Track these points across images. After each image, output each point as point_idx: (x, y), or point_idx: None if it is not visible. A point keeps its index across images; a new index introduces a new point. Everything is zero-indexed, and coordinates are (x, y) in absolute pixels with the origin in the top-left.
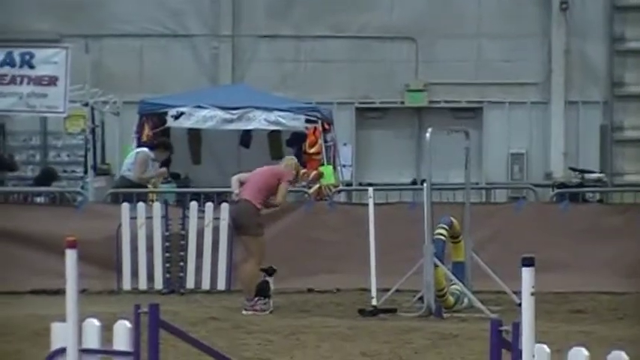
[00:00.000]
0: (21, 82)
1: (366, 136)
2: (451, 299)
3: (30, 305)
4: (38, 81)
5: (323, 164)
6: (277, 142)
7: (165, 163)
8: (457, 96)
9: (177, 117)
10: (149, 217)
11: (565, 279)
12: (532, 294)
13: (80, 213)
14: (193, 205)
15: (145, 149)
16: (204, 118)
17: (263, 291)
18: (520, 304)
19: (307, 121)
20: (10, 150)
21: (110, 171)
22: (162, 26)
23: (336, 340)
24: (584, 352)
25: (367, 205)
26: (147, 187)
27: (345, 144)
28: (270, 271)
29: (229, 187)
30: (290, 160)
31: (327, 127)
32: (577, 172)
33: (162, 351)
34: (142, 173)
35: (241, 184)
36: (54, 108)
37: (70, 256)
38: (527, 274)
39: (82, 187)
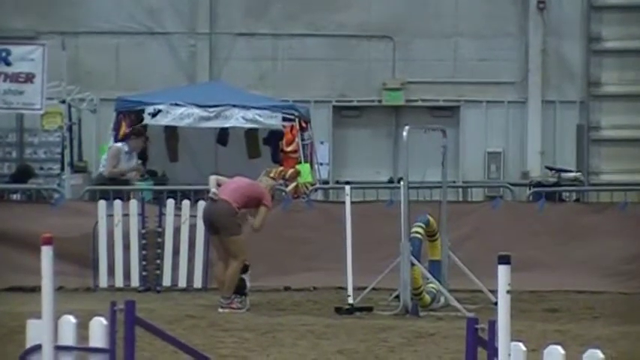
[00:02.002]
0: None
1: (343, 135)
2: (427, 298)
3: (6, 302)
4: (15, 78)
5: (300, 162)
6: (254, 141)
7: (143, 158)
8: (434, 95)
9: (154, 115)
10: (126, 215)
11: (541, 278)
12: (508, 292)
13: (57, 210)
14: (170, 202)
15: (118, 144)
16: (181, 115)
17: (239, 288)
18: (496, 303)
19: (284, 119)
20: None
21: (87, 168)
22: (139, 24)
23: (312, 338)
24: (560, 350)
25: (344, 203)
26: (124, 184)
27: (322, 142)
28: (244, 269)
29: (206, 185)
30: (268, 181)
31: (304, 125)
32: (554, 172)
33: (138, 348)
34: (112, 167)
35: (219, 185)
36: (30, 105)
37: (46, 253)
38: (503, 271)
39: (59, 185)
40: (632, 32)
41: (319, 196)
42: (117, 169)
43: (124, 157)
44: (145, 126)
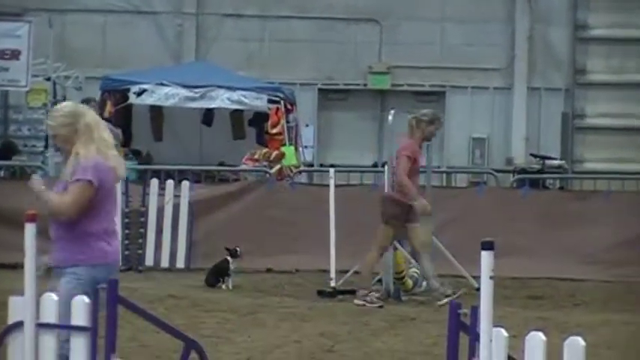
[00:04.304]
0: None
1: (328, 118)
2: (410, 282)
3: None
4: (0, 55)
5: (285, 145)
6: (239, 122)
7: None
8: (420, 79)
9: (139, 94)
10: None
11: (524, 264)
12: (491, 277)
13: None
14: (154, 182)
15: None
16: (166, 95)
17: (222, 270)
18: (479, 289)
19: (270, 101)
20: None
21: None
22: (127, 2)
23: (294, 321)
24: (542, 336)
25: (328, 186)
26: None
27: (307, 125)
28: (233, 253)
29: (190, 164)
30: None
31: (289, 107)
32: (538, 159)
33: (120, 327)
34: None
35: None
36: (16, 82)
37: (30, 230)
38: (486, 257)
39: (43, 162)
40: (619, 20)
41: (303, 178)
42: None
43: None
44: (131, 106)
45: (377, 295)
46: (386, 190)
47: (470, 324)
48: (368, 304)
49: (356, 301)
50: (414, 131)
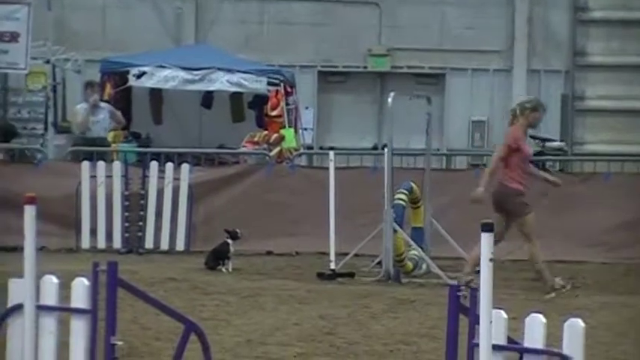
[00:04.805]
0: None
1: (328, 100)
2: (410, 264)
3: None
4: None
5: (284, 127)
6: (239, 104)
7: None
8: (420, 62)
9: (139, 76)
10: (109, 176)
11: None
12: (491, 260)
13: (40, 170)
14: (153, 164)
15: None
16: (165, 78)
17: (222, 253)
18: (478, 271)
19: (269, 83)
20: None
21: (70, 129)
22: None
23: (293, 303)
24: (542, 319)
25: (328, 168)
26: (107, 146)
27: (307, 107)
28: (233, 235)
29: (190, 147)
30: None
31: (289, 90)
32: (538, 141)
33: (120, 310)
34: (75, 125)
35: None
36: (15, 64)
37: (29, 212)
38: (486, 239)
39: (42, 145)
40: (618, 2)
41: (303, 161)
42: (77, 122)
43: (84, 113)
44: (130, 88)
45: (559, 279)
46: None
47: (470, 306)
48: (562, 290)
49: (547, 296)
50: (517, 119)
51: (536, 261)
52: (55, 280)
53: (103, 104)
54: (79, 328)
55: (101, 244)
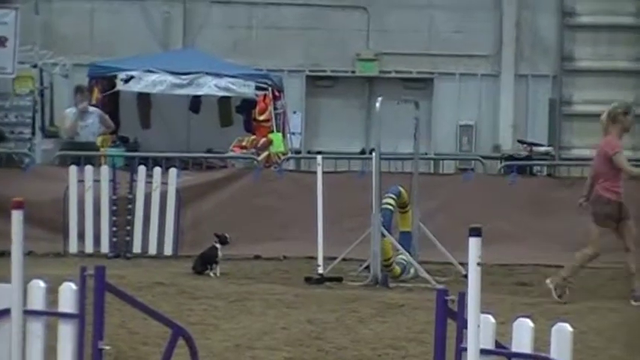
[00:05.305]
0: None
1: (316, 105)
2: (397, 269)
3: None
4: None
5: (272, 132)
6: (227, 109)
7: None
8: (408, 66)
9: (126, 81)
10: (97, 181)
11: (511, 251)
12: (478, 264)
13: (27, 175)
14: (141, 169)
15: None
16: (153, 82)
17: (210, 258)
18: (466, 276)
19: (257, 88)
20: None
21: (58, 133)
22: None
23: (281, 308)
24: (529, 323)
25: (316, 173)
26: (94, 150)
27: (295, 112)
28: (222, 240)
29: (178, 152)
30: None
31: (277, 94)
32: (525, 145)
33: (108, 314)
34: (63, 130)
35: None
36: (2, 69)
37: (17, 217)
38: (474, 243)
39: (30, 149)
40: (606, 7)
41: (291, 165)
42: (66, 127)
43: (73, 118)
44: (118, 93)
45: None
46: (598, 191)
47: (457, 311)
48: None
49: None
50: (611, 127)
51: (579, 262)
52: (42, 284)
53: (92, 109)
54: (66, 333)
55: (89, 248)
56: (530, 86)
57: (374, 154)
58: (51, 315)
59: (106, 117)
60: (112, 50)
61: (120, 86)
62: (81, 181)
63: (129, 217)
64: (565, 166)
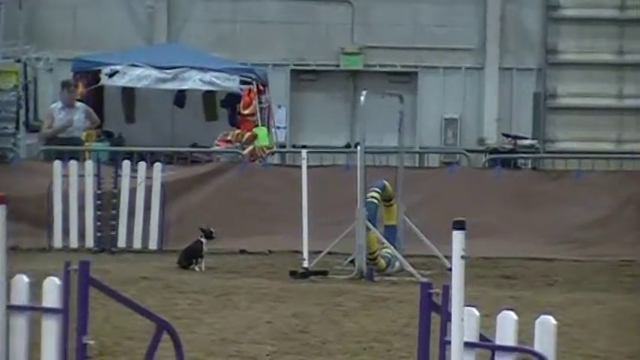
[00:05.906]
0: None
1: (300, 99)
2: (382, 262)
3: None
4: None
5: (257, 126)
6: (212, 103)
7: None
8: (392, 60)
9: (111, 75)
10: (81, 175)
11: (496, 244)
12: (463, 257)
13: (11, 169)
14: (126, 163)
15: (53, 104)
16: (138, 76)
17: (195, 252)
18: (450, 269)
19: (242, 82)
20: None
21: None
22: None
23: (267, 302)
24: (513, 315)
25: (300, 167)
26: (78, 144)
27: (279, 106)
28: (208, 234)
29: (163, 146)
30: None
31: (261, 88)
32: (510, 139)
33: (92, 309)
34: (47, 127)
35: None
36: None
37: (0, 212)
38: (458, 237)
39: (14, 144)
40: (590, 0)
41: (276, 159)
42: (51, 129)
43: (58, 114)
44: (102, 87)
45: None
46: None
47: (442, 304)
48: None
49: None
50: None
51: None
52: (26, 279)
53: (78, 104)
54: (50, 328)
55: (73, 243)
56: (515, 79)
57: (359, 147)
58: (35, 310)
59: (92, 112)
60: (97, 45)
61: (104, 81)
62: (65, 176)
63: (113, 212)
64: (549, 159)
